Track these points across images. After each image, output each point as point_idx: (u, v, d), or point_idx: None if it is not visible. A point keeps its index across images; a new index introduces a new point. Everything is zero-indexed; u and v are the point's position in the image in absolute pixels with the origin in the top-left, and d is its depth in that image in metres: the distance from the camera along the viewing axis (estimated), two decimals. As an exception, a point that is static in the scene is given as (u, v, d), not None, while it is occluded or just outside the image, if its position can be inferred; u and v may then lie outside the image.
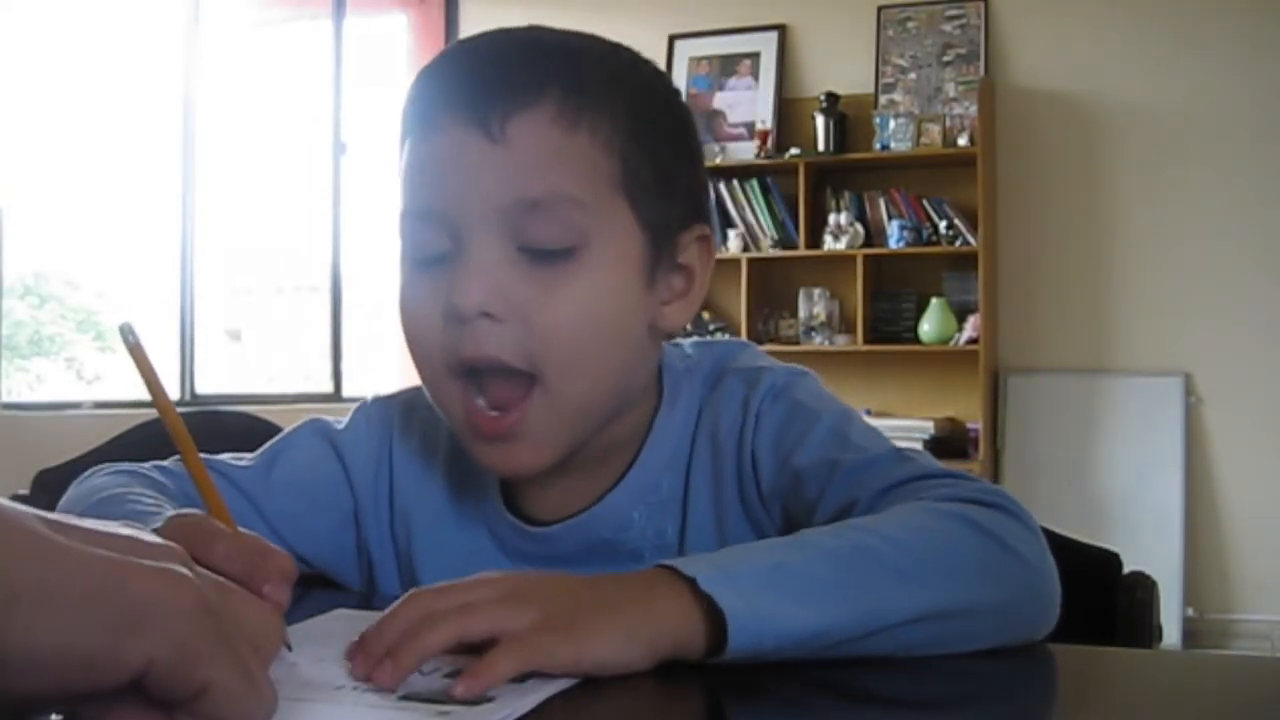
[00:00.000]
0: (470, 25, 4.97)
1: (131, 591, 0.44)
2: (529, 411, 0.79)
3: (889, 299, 4.60)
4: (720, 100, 4.84)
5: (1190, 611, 4.13)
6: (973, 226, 4.38)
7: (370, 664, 0.58)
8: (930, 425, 4.31)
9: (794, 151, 4.60)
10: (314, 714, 0.55)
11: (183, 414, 0.67)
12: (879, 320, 4.58)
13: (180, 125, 4.30)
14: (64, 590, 0.43)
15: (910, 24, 4.64)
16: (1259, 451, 4.18)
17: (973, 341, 4.36)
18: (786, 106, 4.76)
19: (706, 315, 4.69)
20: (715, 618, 0.62)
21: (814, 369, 0.91)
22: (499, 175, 0.78)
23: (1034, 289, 4.51)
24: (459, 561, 0.89)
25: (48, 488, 1.13)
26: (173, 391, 4.12)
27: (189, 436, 0.66)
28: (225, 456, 0.93)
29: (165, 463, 0.90)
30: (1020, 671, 0.69)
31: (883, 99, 4.61)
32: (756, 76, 4.82)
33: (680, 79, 4.78)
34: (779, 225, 4.66)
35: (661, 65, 1.03)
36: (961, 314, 4.44)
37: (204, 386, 4.34)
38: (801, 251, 4.61)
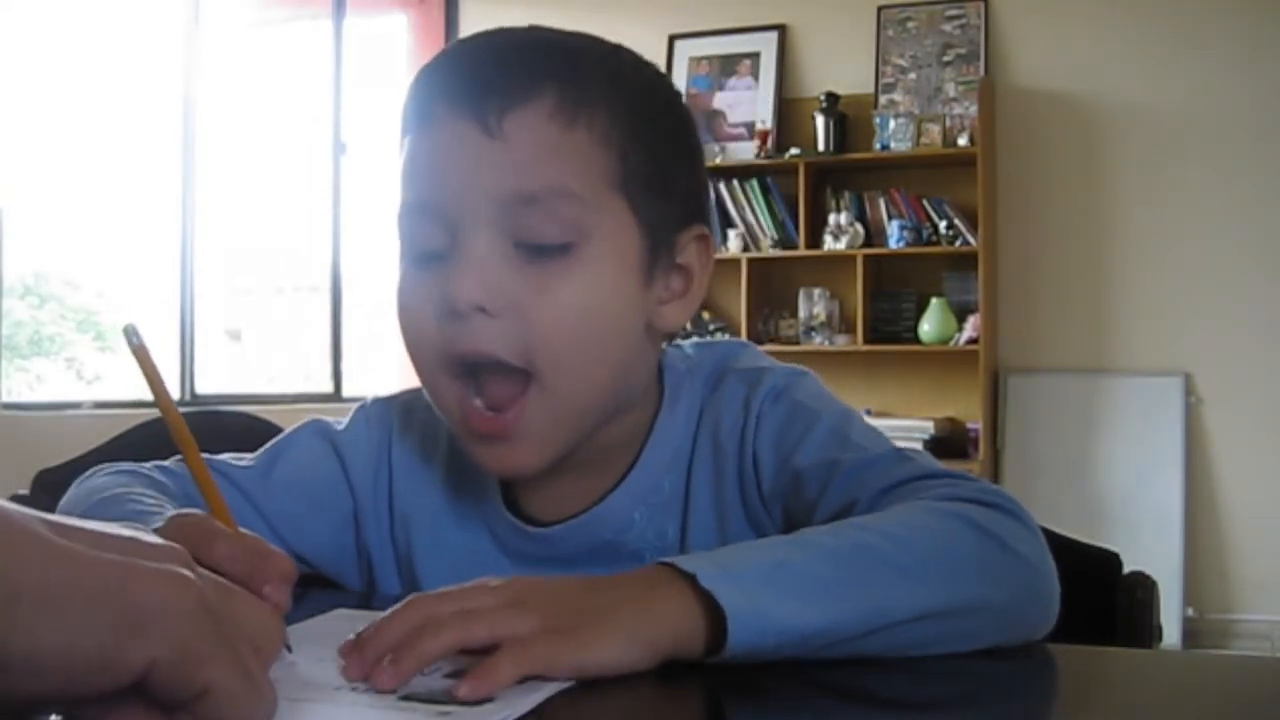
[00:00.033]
0: (470, 25, 4.97)
1: (133, 593, 0.44)
2: (525, 411, 0.79)
3: (889, 299, 4.60)
4: (720, 100, 4.84)
5: (1190, 611, 4.13)
6: (973, 226, 4.38)
7: (366, 666, 0.58)
8: (930, 425, 4.31)
9: (794, 151, 4.60)
10: (314, 714, 0.55)
11: (183, 414, 0.67)
12: (879, 320, 4.58)
13: (180, 125, 4.30)
14: (66, 591, 0.43)
15: (910, 24, 4.64)
16: (1259, 451, 4.18)
17: (973, 341, 4.37)
18: (786, 106, 4.76)
19: (706, 315, 4.69)
20: (716, 615, 0.62)
21: (814, 369, 0.91)
22: (496, 170, 0.78)
23: (1034, 289, 4.51)
24: (459, 562, 0.89)
25: (48, 488, 1.13)
26: (173, 391, 4.12)
27: (191, 437, 0.66)
28: (225, 456, 0.93)
29: (166, 463, 0.90)
30: (1020, 671, 0.69)
31: (883, 99, 4.61)
32: (756, 76, 4.82)
33: (680, 79, 4.78)
34: (779, 225, 4.66)
35: (661, 65, 1.03)
36: (961, 314, 4.44)
37: (204, 386, 4.34)
38: (801, 251, 4.61)
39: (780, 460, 0.84)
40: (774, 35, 4.81)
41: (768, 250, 4.65)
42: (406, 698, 0.56)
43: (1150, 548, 3.93)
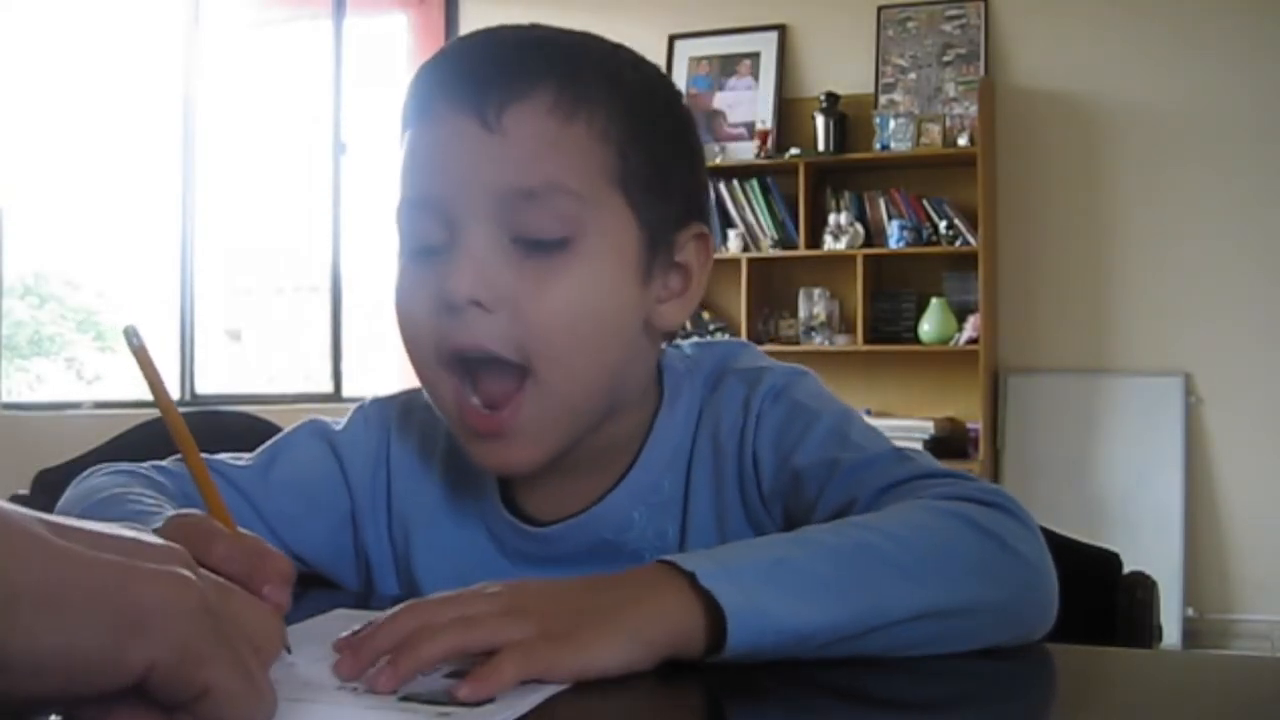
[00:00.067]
0: (470, 25, 4.96)
1: (133, 593, 0.44)
2: (522, 408, 0.79)
3: (889, 299, 4.60)
4: (720, 100, 4.84)
5: (1190, 611, 4.13)
6: (973, 226, 4.38)
7: (359, 666, 0.58)
8: (930, 425, 4.31)
9: (794, 151, 4.60)
10: (314, 714, 0.55)
11: (183, 414, 0.67)
12: (879, 320, 4.58)
13: (180, 125, 4.30)
14: (65, 592, 0.43)
15: (910, 24, 4.64)
16: (1259, 451, 4.18)
17: (973, 341, 4.36)
18: (786, 106, 4.76)
19: (706, 315, 4.69)
20: (715, 614, 0.62)
21: (814, 369, 0.91)
22: (494, 164, 0.78)
23: (1034, 289, 4.51)
24: (457, 562, 0.89)
25: (48, 488, 1.13)
26: (173, 392, 4.11)
27: (191, 438, 0.66)
28: (223, 456, 0.93)
29: (164, 462, 0.90)
30: (1020, 671, 0.69)
31: (883, 99, 4.61)
32: (756, 76, 4.82)
33: (680, 79, 4.78)
34: (779, 225, 4.66)
35: (661, 65, 1.03)
36: (961, 314, 4.44)
37: (204, 386, 4.34)
38: (801, 251, 4.61)
39: (780, 460, 0.84)
40: (774, 35, 4.81)
41: (768, 250, 4.65)
42: (407, 698, 0.56)
43: (1150, 548, 3.93)
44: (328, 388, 4.84)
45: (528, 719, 0.55)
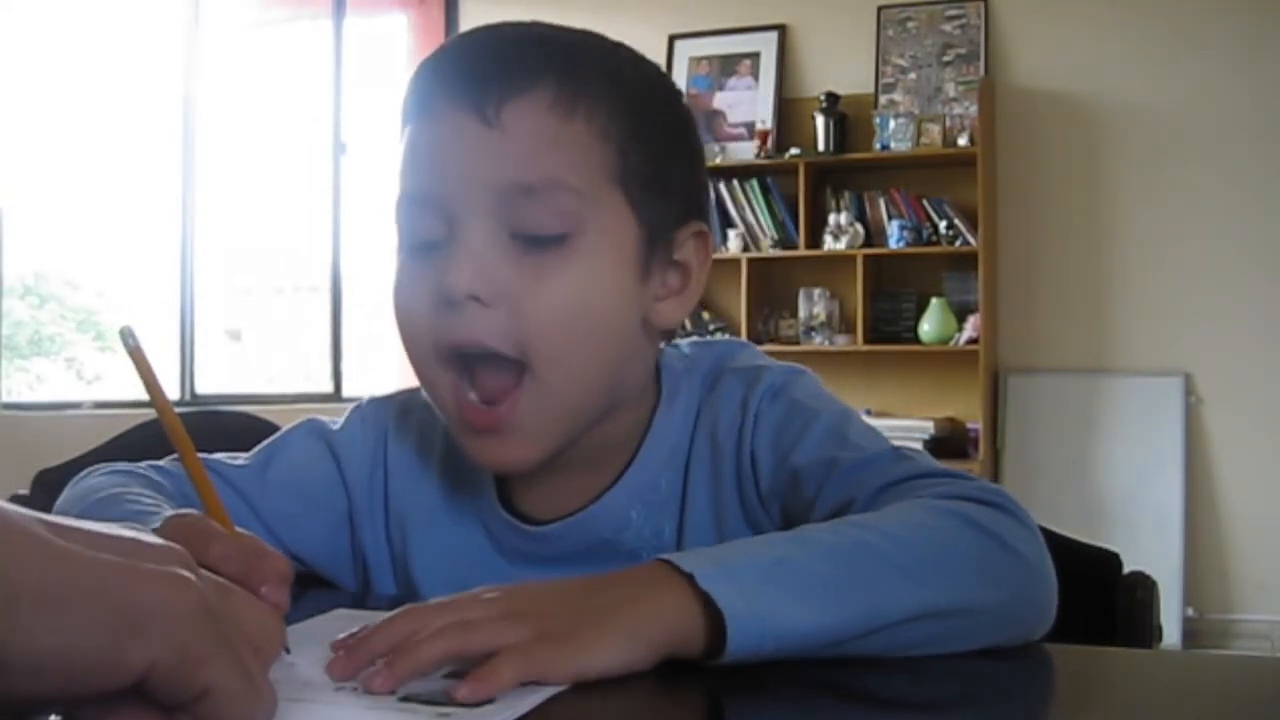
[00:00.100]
0: (470, 25, 4.88)
1: (133, 594, 0.44)
2: (519, 404, 0.79)
3: (889, 299, 4.60)
4: (720, 100, 4.84)
5: (1190, 611, 4.13)
6: (973, 226, 4.38)
7: (354, 667, 0.58)
8: (930, 425, 4.31)
9: (794, 151, 4.60)
10: (314, 714, 0.55)
11: (182, 414, 0.67)
12: (879, 320, 4.58)
13: (180, 125, 4.30)
14: (64, 592, 0.43)
15: (910, 24, 4.64)
16: (1259, 451, 4.18)
17: (973, 341, 4.36)
18: (786, 106, 4.76)
19: (706, 315, 4.69)
20: (714, 615, 0.61)
21: (814, 369, 0.91)
22: (493, 160, 0.78)
23: (1034, 289, 4.51)
24: (455, 561, 0.89)
25: (48, 488, 1.12)
26: (173, 391, 4.12)
27: (188, 439, 0.66)
28: (220, 456, 0.93)
29: (162, 462, 0.89)
30: (1020, 671, 0.69)
31: (883, 99, 4.61)
32: (756, 76, 4.82)
33: (680, 79, 4.78)
34: (779, 225, 4.66)
35: (661, 65, 1.03)
36: (961, 314, 4.44)
37: (204, 386, 4.34)
38: (801, 251, 4.61)
39: (778, 459, 0.84)
40: (774, 35, 4.81)
41: (768, 250, 4.65)
42: (406, 699, 0.56)
43: (1150, 548, 3.93)
44: (328, 388, 4.85)
45: (527, 719, 0.55)
